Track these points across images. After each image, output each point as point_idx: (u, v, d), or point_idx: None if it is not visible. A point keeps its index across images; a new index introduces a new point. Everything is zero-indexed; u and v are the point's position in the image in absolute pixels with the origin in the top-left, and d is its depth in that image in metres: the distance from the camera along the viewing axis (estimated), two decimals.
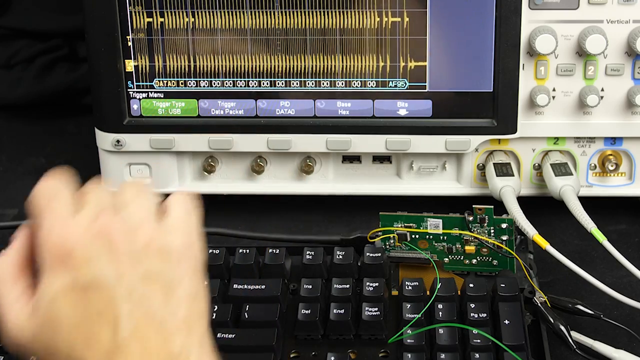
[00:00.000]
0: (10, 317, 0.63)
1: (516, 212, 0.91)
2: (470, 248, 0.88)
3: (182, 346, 0.62)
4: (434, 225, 0.88)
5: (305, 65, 0.96)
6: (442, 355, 0.78)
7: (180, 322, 0.63)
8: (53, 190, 0.66)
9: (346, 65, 0.96)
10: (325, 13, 0.94)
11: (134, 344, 0.61)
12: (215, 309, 0.83)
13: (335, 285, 0.84)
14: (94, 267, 0.62)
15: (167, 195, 0.69)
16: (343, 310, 0.82)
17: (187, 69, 0.97)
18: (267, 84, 0.97)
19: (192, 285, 0.65)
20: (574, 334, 0.82)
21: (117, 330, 0.61)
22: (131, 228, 0.64)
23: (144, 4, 0.94)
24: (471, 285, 0.83)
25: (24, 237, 0.67)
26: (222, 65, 0.96)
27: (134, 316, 0.61)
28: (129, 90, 0.98)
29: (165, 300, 0.63)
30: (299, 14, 0.94)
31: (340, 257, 0.87)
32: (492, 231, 0.87)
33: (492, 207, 0.87)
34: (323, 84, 0.97)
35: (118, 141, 0.99)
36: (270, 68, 0.96)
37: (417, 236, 0.89)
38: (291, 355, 0.81)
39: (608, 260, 0.89)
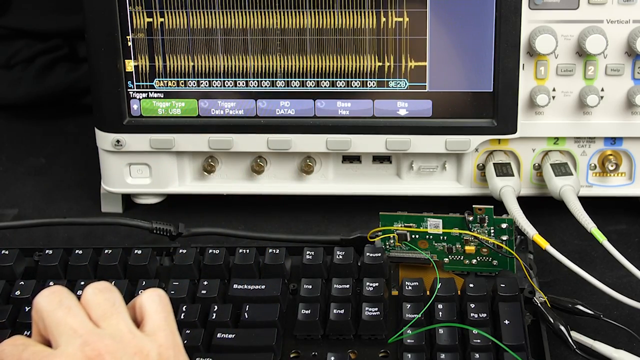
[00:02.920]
0: None
1: (516, 212, 0.91)
2: (470, 248, 0.88)
3: None
4: (434, 225, 0.88)
5: (305, 65, 0.96)
6: (442, 355, 0.78)
7: None
8: (19, 344, 0.66)
9: (346, 65, 0.96)
10: (325, 13, 0.94)
11: None
12: (215, 309, 0.83)
13: (335, 285, 0.84)
14: None
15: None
16: (343, 310, 0.82)
17: (187, 69, 0.97)
18: (267, 84, 0.97)
19: None
20: (574, 334, 0.82)
21: None
22: (122, 350, 0.65)
23: (144, 4, 0.94)
24: (471, 285, 0.83)
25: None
26: (222, 65, 0.96)
27: None
28: (129, 90, 0.98)
29: None
30: (299, 14, 0.94)
31: (340, 257, 0.87)
32: (492, 231, 0.87)
33: (492, 207, 0.87)
34: (323, 84, 0.97)
35: (118, 141, 0.99)
36: (270, 68, 0.96)
37: (417, 236, 0.89)
38: (291, 355, 0.81)
39: (608, 260, 0.89)
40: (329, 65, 0.96)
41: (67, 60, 1.25)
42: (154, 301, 0.69)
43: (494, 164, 0.98)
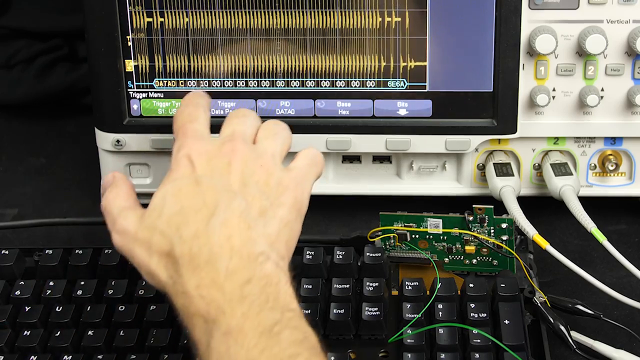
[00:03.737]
0: (121, 220, 0.72)
1: (516, 212, 0.91)
2: (470, 248, 0.88)
3: (262, 251, 0.68)
4: (434, 225, 0.88)
5: (305, 65, 0.96)
6: (442, 355, 0.78)
7: (267, 235, 0.70)
8: (194, 114, 0.77)
9: (346, 65, 0.96)
10: (325, 13, 0.94)
11: (219, 233, 0.68)
12: None
13: (335, 285, 0.84)
14: (208, 173, 0.71)
15: None
16: (343, 310, 0.82)
17: (187, 69, 0.97)
18: (267, 84, 0.97)
19: (288, 215, 0.73)
20: (574, 334, 0.82)
21: (209, 221, 0.68)
22: (254, 158, 0.74)
23: (144, 4, 0.94)
24: (471, 285, 0.83)
25: (123, 178, 0.76)
26: (222, 65, 0.96)
27: (228, 215, 0.69)
28: (129, 90, 0.98)
29: (260, 214, 0.71)
30: (299, 13, 0.94)
31: (340, 257, 0.87)
32: (492, 231, 0.87)
33: (492, 207, 0.87)
34: (323, 84, 0.97)
35: (118, 141, 0.99)
36: (270, 68, 0.96)
37: (417, 236, 0.89)
38: None
39: (608, 260, 0.89)
40: (329, 65, 0.96)
41: (67, 60, 1.25)
42: (309, 154, 0.79)
43: (494, 164, 0.98)
